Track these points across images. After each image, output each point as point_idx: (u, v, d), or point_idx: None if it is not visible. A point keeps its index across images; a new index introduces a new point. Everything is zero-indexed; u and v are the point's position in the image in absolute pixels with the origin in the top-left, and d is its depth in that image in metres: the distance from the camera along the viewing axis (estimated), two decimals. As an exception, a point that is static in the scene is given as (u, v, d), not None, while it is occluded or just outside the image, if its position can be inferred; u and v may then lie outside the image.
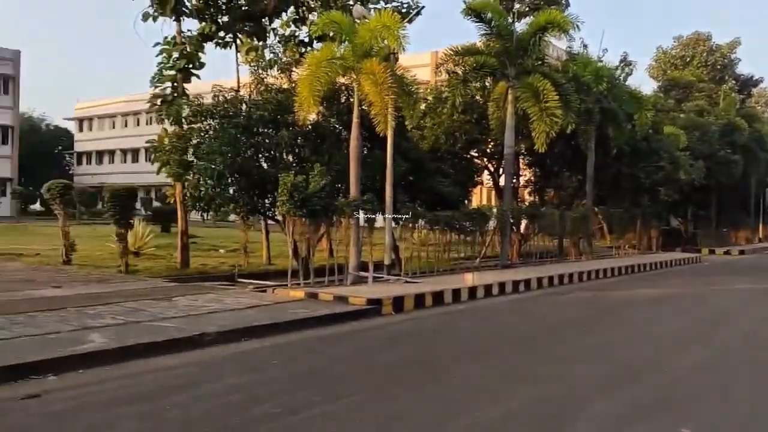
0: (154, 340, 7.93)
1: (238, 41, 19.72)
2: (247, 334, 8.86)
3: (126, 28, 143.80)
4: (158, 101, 17.34)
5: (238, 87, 18.08)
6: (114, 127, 69.05)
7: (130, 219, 16.27)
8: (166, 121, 16.59)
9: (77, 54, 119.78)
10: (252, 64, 19.13)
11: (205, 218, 20.39)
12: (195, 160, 15.42)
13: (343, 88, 16.10)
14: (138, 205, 51.10)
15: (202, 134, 15.54)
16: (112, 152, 68.27)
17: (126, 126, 67.51)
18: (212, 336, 8.46)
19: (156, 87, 17.39)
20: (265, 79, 16.86)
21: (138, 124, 64.42)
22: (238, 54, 19.97)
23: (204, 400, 6.00)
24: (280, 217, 14.05)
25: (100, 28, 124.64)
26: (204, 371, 7.16)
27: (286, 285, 12.58)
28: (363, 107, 14.63)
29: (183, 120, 15.94)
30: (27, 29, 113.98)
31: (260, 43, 20.34)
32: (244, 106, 15.33)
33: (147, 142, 16.98)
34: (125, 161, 66.75)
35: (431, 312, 11.85)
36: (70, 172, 68.93)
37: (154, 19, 17.41)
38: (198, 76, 17.89)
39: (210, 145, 14.43)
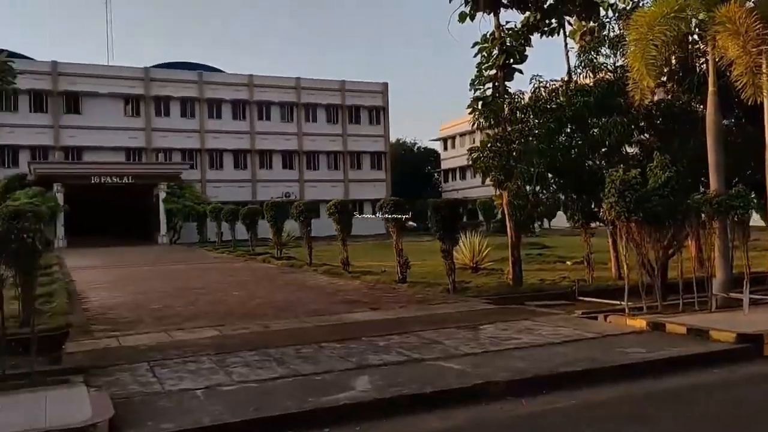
0: (422, 391, 6.28)
1: (567, 26, 17.37)
2: (550, 384, 6.62)
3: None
4: (479, 104, 16.08)
5: (569, 77, 15.75)
6: (474, 143, 71.90)
7: (455, 233, 15.21)
8: (483, 123, 15.15)
9: (437, 76, 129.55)
10: (581, 48, 16.55)
11: (534, 228, 18.36)
12: (516, 164, 13.61)
13: (696, 50, 12.52)
14: (479, 217, 51.94)
15: (523, 134, 13.68)
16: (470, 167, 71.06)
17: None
18: (500, 387, 6.46)
19: (476, 90, 16.16)
20: (593, 60, 14.21)
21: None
22: (569, 40, 17.59)
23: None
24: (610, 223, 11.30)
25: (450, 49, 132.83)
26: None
27: (623, 309, 9.82)
28: (725, 72, 10.97)
29: (501, 120, 14.30)
30: (391, 63, 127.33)
31: (595, 24, 17.64)
32: (562, 97, 12.97)
33: (469, 150, 15.79)
34: (484, 174, 68.69)
35: None
36: (439, 189, 73.90)
37: (471, 17, 16.26)
38: (521, 71, 16.12)
39: (527, 144, 12.47)
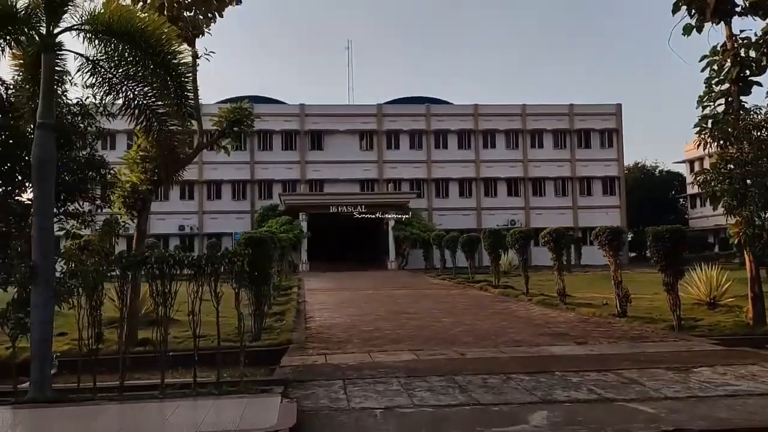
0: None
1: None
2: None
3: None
4: (708, 123, 14.56)
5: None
6: (723, 165, 64.78)
7: (680, 265, 13.85)
8: (711, 144, 13.62)
9: (678, 91, 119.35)
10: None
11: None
12: (749, 188, 12.05)
13: None
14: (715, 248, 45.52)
15: (760, 154, 12.07)
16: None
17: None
18: (692, 436, 5.75)
19: (705, 107, 14.69)
20: None
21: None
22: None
23: None
24: None
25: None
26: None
27: None
28: None
29: (733, 140, 12.79)
30: (622, 81, 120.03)
31: None
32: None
33: (695, 173, 14.34)
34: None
35: None
36: (685, 215, 67.72)
37: (699, 30, 14.89)
38: (759, 83, 14.34)
39: (758, 165, 10.97)
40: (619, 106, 56.44)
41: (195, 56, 14.01)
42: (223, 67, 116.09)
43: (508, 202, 54.55)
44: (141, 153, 12.67)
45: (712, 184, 13.18)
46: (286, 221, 45.80)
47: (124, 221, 12.22)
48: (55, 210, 8.89)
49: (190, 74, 9.68)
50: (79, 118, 10.35)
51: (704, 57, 14.84)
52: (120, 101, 8.55)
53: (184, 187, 50.39)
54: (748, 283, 14.08)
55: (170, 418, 6.32)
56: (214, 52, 14.27)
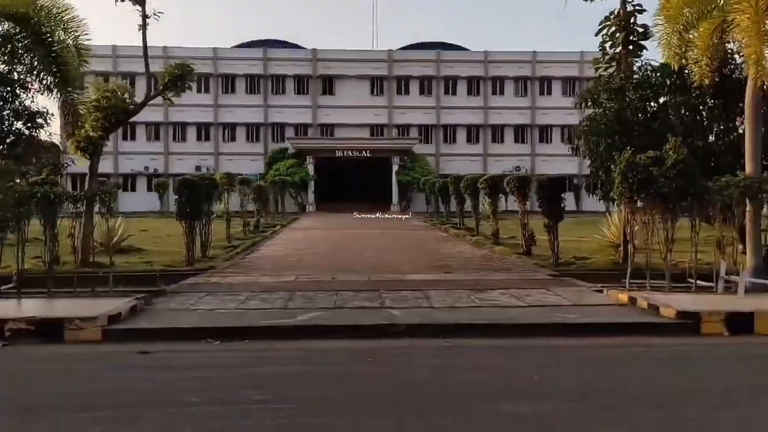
0: (349, 323, 8.20)
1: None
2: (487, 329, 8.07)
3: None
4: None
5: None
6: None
7: (559, 209, 15.70)
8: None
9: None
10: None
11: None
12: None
13: None
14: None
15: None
16: None
17: None
18: (401, 328, 8.02)
19: (597, 69, 16.25)
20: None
21: None
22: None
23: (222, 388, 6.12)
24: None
25: None
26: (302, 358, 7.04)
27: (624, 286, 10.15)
28: None
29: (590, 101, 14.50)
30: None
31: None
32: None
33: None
34: None
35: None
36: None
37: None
38: (645, 47, 15.79)
39: (601, 122, 12.71)
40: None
41: (144, 16, 16.10)
42: (246, 12, 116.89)
43: (515, 148, 55.72)
44: (93, 104, 15.06)
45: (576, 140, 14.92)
46: (294, 164, 48.28)
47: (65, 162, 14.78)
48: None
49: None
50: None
51: (601, 22, 16.31)
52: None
53: (201, 129, 53.19)
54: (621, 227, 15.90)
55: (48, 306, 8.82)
56: (162, 12, 16.24)
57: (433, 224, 31.92)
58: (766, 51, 9.05)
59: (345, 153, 49.18)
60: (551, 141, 56.07)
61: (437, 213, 38.82)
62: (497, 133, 55.99)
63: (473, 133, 55.92)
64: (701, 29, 9.86)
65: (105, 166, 45.09)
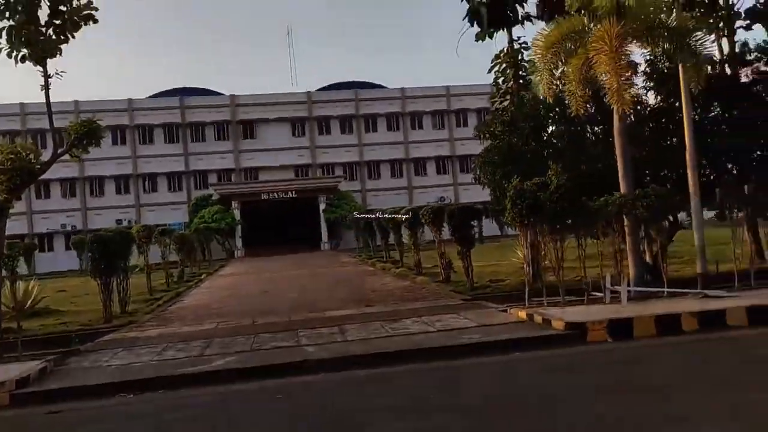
0: (263, 363, 8.46)
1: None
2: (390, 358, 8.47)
3: None
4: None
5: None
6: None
7: (470, 236, 16.46)
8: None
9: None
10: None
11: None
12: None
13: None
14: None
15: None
16: None
17: None
18: (313, 364, 8.36)
19: (494, 103, 17.29)
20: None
21: None
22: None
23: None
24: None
25: None
26: (241, 400, 7.29)
27: (523, 304, 10.86)
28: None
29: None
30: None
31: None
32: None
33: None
34: None
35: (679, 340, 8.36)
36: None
37: (490, 36, 17.40)
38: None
39: (494, 154, 13.62)
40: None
41: (47, 76, 16.06)
42: (160, 61, 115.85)
43: (438, 179, 57.19)
44: (-3, 168, 14.83)
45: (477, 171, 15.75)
46: (219, 210, 47.96)
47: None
48: None
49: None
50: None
51: (493, 59, 17.43)
52: None
53: (120, 182, 52.22)
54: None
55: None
56: (65, 72, 16.20)
57: (361, 259, 32.38)
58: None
59: (270, 195, 49.29)
60: (471, 170, 57.75)
61: (366, 248, 39.30)
62: (419, 165, 57.39)
63: (396, 167, 57.10)
64: (572, 65, 10.89)
65: (19, 227, 43.84)
